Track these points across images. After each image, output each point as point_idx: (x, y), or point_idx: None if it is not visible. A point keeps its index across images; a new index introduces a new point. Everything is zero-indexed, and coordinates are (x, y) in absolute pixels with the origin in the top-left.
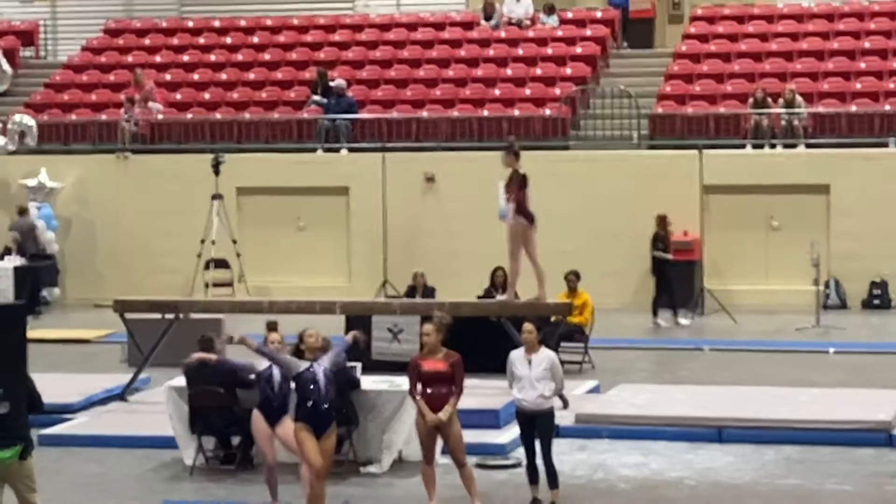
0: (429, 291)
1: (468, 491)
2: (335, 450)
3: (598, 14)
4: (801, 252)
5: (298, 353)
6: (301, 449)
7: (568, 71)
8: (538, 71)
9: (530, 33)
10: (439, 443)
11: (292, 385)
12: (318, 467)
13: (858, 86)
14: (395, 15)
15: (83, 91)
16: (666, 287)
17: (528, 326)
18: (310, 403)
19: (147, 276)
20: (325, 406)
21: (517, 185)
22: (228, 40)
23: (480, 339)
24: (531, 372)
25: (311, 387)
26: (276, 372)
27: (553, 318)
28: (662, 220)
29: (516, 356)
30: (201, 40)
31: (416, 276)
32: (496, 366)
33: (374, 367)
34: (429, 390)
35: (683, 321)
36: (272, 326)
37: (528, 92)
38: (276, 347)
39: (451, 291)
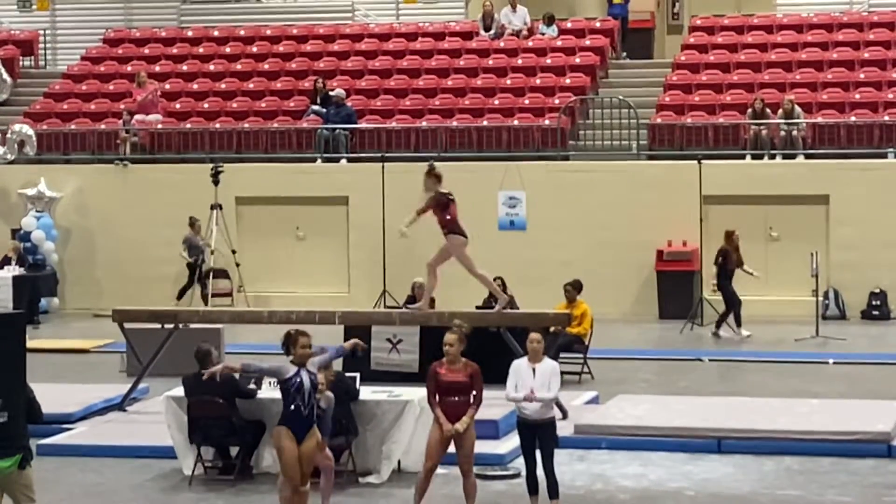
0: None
1: (467, 501)
2: (335, 460)
3: (598, 24)
4: (801, 262)
5: (287, 351)
6: (280, 458)
7: (567, 81)
8: (537, 81)
9: (529, 43)
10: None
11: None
12: (295, 483)
13: (857, 96)
14: (394, 25)
15: (82, 100)
16: (731, 301)
17: (535, 336)
18: (292, 408)
19: (146, 286)
20: (307, 411)
21: (440, 207)
22: (227, 50)
23: (480, 350)
24: (534, 381)
25: (297, 393)
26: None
27: (552, 329)
28: (729, 237)
29: (519, 365)
30: (200, 50)
31: (416, 286)
32: (495, 376)
33: (373, 377)
34: (445, 399)
35: (723, 333)
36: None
37: (527, 102)
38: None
39: (451, 301)
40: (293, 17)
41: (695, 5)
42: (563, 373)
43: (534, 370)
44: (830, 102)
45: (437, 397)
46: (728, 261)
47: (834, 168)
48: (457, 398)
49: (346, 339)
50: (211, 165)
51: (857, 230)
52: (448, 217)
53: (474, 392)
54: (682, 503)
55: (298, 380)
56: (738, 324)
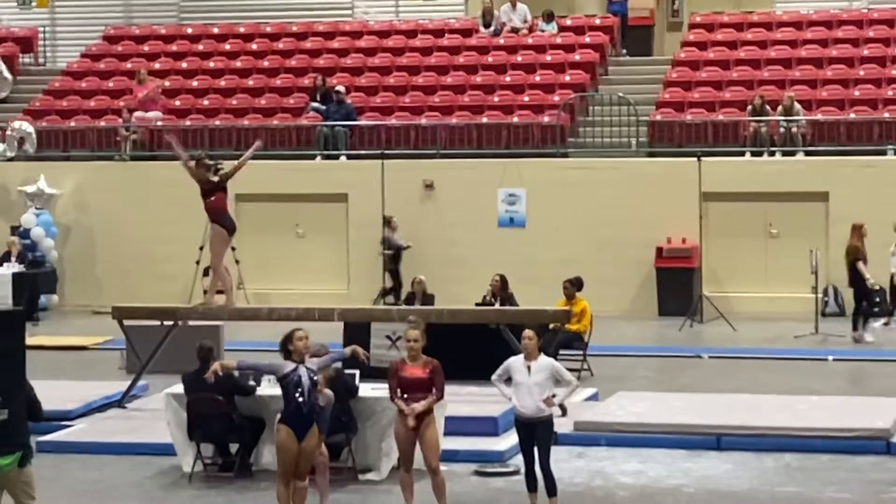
0: (428, 298)
1: (437, 499)
2: (334, 458)
3: (597, 21)
4: (800, 259)
5: (286, 352)
6: (277, 455)
7: (567, 78)
8: (537, 78)
9: (529, 40)
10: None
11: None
12: (287, 480)
13: (857, 93)
14: (394, 22)
15: (82, 98)
16: (864, 299)
17: (528, 333)
18: (293, 406)
19: (146, 283)
20: (307, 409)
21: (206, 194)
22: (227, 47)
23: (479, 347)
24: (530, 379)
25: (296, 389)
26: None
27: (552, 326)
28: (857, 230)
29: (515, 362)
30: (200, 47)
31: (415, 283)
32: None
33: (372, 374)
34: (407, 396)
35: (869, 337)
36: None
37: (526, 99)
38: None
39: (450, 298)
40: (293, 15)
41: (694, 2)
42: None
43: (529, 368)
44: (830, 99)
45: (399, 394)
46: (856, 256)
47: (833, 165)
48: (417, 395)
49: (345, 337)
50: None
51: None
52: (213, 205)
53: (435, 388)
54: (681, 500)
55: (297, 376)
56: (865, 325)
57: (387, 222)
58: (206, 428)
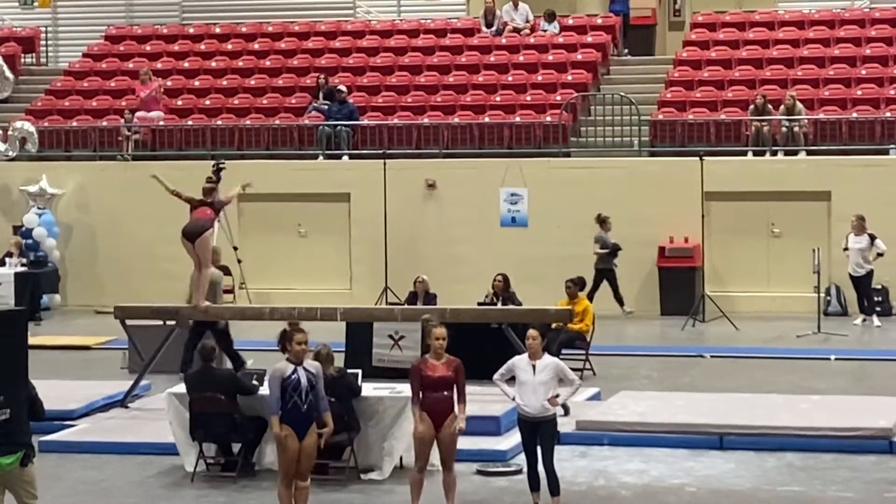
0: (430, 298)
1: (447, 496)
2: (336, 457)
3: (599, 21)
4: (802, 259)
5: (283, 348)
6: (280, 454)
7: (569, 77)
8: (539, 77)
9: (531, 40)
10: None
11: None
12: (289, 479)
13: (859, 93)
14: (395, 21)
15: (84, 97)
16: None
17: (532, 333)
18: (290, 406)
19: (148, 283)
20: (305, 409)
21: (217, 206)
22: (229, 47)
23: (481, 346)
24: (535, 378)
25: (295, 392)
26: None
27: (554, 325)
28: None
29: (520, 361)
30: (202, 47)
31: (417, 283)
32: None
33: (374, 373)
34: (431, 395)
35: None
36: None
37: (528, 98)
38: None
39: (453, 298)
40: (295, 14)
41: (696, 2)
42: None
43: (534, 367)
44: (832, 99)
45: (421, 394)
46: None
47: (835, 164)
48: (444, 393)
49: (348, 337)
50: (212, 162)
51: None
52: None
53: (456, 386)
54: (684, 499)
55: (295, 378)
56: None
57: (602, 221)
58: (209, 427)
